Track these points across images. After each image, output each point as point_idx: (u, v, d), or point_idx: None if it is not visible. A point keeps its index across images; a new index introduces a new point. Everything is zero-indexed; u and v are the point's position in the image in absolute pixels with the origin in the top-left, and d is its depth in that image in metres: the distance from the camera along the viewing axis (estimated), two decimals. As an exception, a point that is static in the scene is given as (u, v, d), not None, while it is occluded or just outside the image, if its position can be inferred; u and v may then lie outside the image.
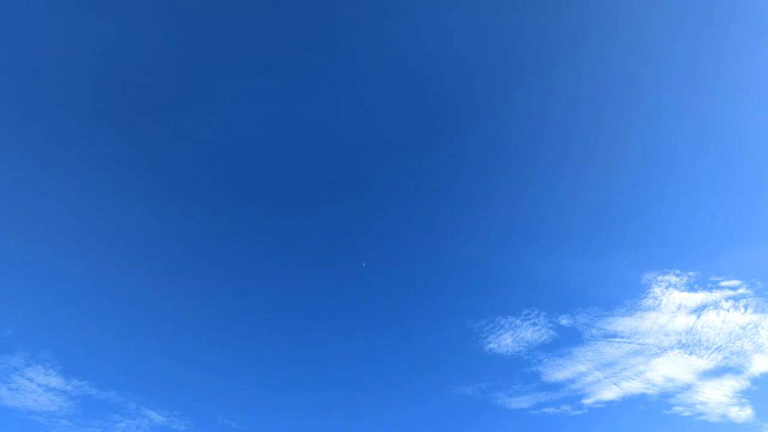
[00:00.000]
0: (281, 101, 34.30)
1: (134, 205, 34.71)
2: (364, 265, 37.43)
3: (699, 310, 35.90)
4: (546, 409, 36.82)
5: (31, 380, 32.40)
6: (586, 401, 36.75)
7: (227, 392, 36.88)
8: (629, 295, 36.93)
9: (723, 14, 32.98)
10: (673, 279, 36.29)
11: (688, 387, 36.31)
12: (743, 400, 35.67)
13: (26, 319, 33.40)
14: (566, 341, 37.17)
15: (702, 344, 36.06)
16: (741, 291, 35.42)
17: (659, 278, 36.52)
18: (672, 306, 36.18)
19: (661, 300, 36.28)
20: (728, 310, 35.55)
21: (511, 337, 37.51)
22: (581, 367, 37.00)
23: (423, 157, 37.08)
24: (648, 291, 36.53)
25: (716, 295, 35.72)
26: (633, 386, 36.60)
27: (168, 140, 34.16)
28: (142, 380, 35.23)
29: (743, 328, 35.23)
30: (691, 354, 36.24)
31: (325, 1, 31.97)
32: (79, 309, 34.64)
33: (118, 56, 30.91)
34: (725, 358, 35.85)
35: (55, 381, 32.79)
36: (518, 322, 37.58)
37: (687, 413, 35.95)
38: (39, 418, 32.23)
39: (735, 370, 35.98)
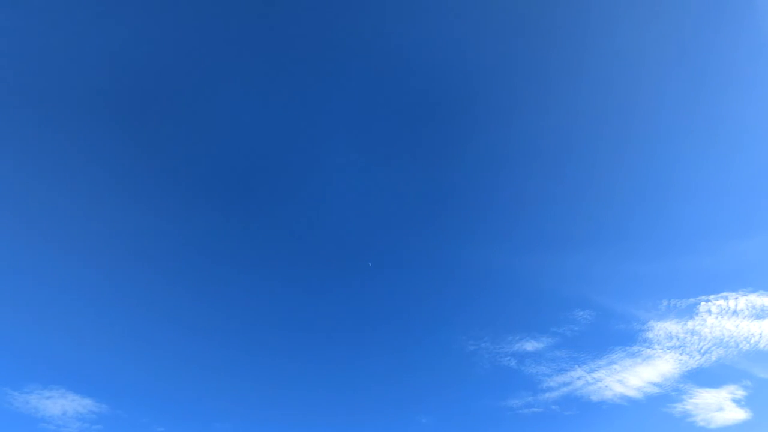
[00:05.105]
0: (284, 102, 34.14)
1: (121, 205, 34.25)
2: (370, 265, 37.66)
3: (692, 311, 35.69)
4: (536, 409, 36.75)
5: (5, 384, 32.02)
6: (578, 402, 36.63)
7: (210, 394, 36.56)
8: (621, 297, 36.90)
9: (724, 13, 32.72)
10: (666, 280, 36.27)
11: (681, 389, 36.12)
12: (737, 401, 35.54)
13: (4, 322, 33.03)
14: (558, 343, 37.05)
15: (695, 346, 35.86)
16: (734, 292, 35.17)
17: (652, 280, 36.48)
18: (664, 308, 36.06)
19: (654, 301, 36.17)
20: (721, 312, 35.30)
21: (504, 339, 37.39)
22: (573, 369, 36.92)
23: (421, 159, 37.05)
24: (640, 293, 36.52)
25: (709, 296, 35.54)
26: (625, 388, 36.38)
27: (172, 139, 33.95)
28: (121, 383, 34.93)
29: (737, 327, 35.07)
30: (683, 355, 36.07)
31: (325, 2, 31.91)
32: (58, 314, 34.28)
33: (123, 56, 30.58)
34: (719, 359, 35.68)
35: (31, 385, 32.43)
36: (510, 324, 37.66)
37: (679, 415, 35.90)
38: (18, 420, 31.75)
39: (729, 372, 35.82)
